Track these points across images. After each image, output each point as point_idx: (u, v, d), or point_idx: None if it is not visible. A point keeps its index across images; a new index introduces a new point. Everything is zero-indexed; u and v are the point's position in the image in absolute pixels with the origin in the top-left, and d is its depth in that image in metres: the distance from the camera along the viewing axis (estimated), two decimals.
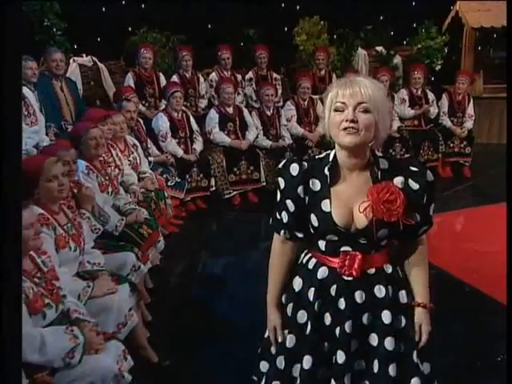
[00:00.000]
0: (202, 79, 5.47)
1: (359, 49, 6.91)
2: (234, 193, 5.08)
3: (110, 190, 3.14)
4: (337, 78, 5.91)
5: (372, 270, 1.62)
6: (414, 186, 1.56)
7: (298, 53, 6.49)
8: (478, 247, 4.13)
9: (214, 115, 4.98)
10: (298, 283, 1.70)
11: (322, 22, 6.48)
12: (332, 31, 6.79)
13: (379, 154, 1.60)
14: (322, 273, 1.64)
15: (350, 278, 1.60)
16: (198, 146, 4.92)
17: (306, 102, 5.34)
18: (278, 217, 1.64)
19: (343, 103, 1.46)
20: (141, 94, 5.00)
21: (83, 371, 1.96)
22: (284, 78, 6.31)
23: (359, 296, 1.61)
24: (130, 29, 5.91)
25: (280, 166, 1.63)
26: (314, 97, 5.43)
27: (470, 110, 5.80)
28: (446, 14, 7.33)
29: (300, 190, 1.57)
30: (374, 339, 1.62)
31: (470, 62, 7.08)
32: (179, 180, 4.56)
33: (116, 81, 5.70)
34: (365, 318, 1.62)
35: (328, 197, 1.56)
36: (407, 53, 7.17)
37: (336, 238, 1.59)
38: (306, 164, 1.59)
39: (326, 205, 1.55)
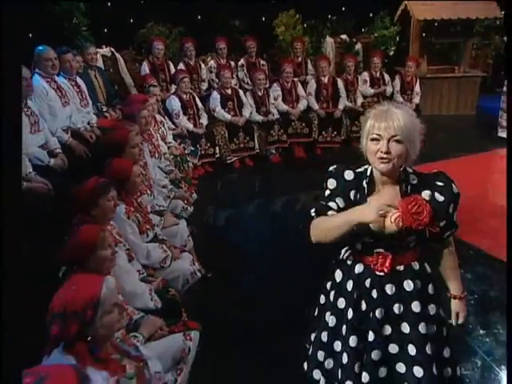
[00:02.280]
0: (203, 65, 6.04)
1: (327, 37, 7.38)
2: (234, 158, 5.66)
3: (156, 155, 3.87)
4: (311, 64, 6.56)
5: (401, 267, 1.67)
6: (440, 198, 1.59)
7: (278, 42, 7.01)
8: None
9: (216, 96, 5.58)
10: (338, 275, 1.80)
11: (297, 15, 7.01)
12: (304, 22, 7.25)
13: (410, 170, 1.64)
14: (359, 268, 1.72)
15: (381, 274, 1.67)
16: (204, 121, 5.49)
17: (288, 84, 5.92)
18: (327, 204, 1.65)
19: (379, 135, 1.51)
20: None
21: (172, 270, 2.77)
22: (267, 63, 6.80)
23: (389, 288, 1.67)
24: (139, 23, 6.39)
25: (331, 169, 1.69)
26: (294, 79, 6.03)
27: (417, 88, 6.40)
28: (397, 7, 7.79)
29: (352, 193, 1.63)
30: (405, 327, 1.67)
31: (417, 47, 7.58)
32: (193, 148, 5.23)
33: (128, 68, 6.22)
34: (396, 308, 1.67)
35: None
36: (366, 40, 7.65)
37: (371, 240, 1.64)
38: (356, 175, 1.66)
39: None
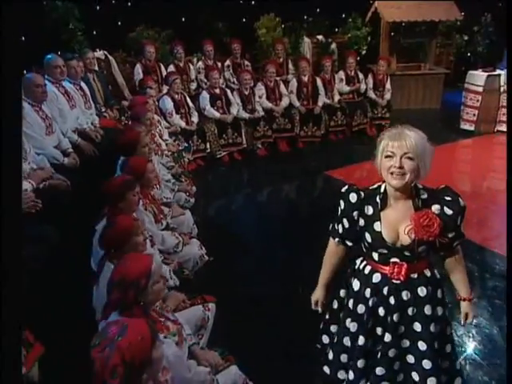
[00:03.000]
0: (191, 67, 6.27)
1: (304, 38, 7.69)
2: (224, 153, 5.87)
3: (159, 152, 4.12)
4: (291, 64, 6.83)
5: (415, 275, 1.77)
6: (449, 211, 1.68)
7: (260, 43, 7.27)
8: None
9: (206, 95, 5.80)
10: (356, 284, 1.88)
11: (277, 19, 7.29)
12: (283, 24, 7.53)
13: (420, 186, 1.74)
14: (376, 278, 1.81)
15: (398, 282, 1.76)
16: (195, 118, 5.70)
17: (272, 84, 6.15)
18: (336, 227, 1.83)
19: (392, 152, 1.62)
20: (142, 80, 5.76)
21: (183, 254, 3.06)
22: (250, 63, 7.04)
23: (405, 295, 1.77)
24: (127, 26, 6.54)
25: (343, 190, 1.80)
26: (277, 79, 6.27)
27: (388, 85, 6.66)
28: (368, 8, 8.13)
29: (355, 214, 1.74)
30: (417, 326, 1.79)
31: (386, 46, 7.93)
32: (187, 145, 5.46)
33: (119, 69, 6.37)
34: (410, 311, 1.79)
35: (379, 219, 1.71)
36: (340, 40, 7.99)
37: (386, 251, 1.74)
38: (362, 194, 1.76)
39: (377, 226, 1.71)
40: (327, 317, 2.07)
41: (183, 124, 5.58)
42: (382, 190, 1.73)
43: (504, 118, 6.44)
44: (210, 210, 5.07)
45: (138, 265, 1.73)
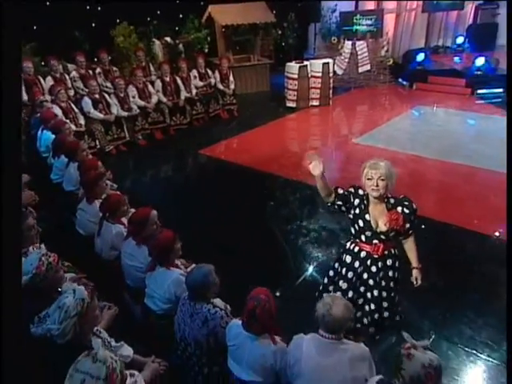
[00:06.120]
0: (67, 77, 7.12)
1: (155, 40, 8.90)
2: (111, 147, 6.93)
3: None
4: (152, 67, 8.11)
5: (386, 252, 2.59)
6: (406, 211, 2.51)
7: (119, 49, 8.24)
8: (254, 152, 6.86)
9: (88, 101, 6.75)
10: (348, 258, 2.68)
11: (130, 27, 8.36)
12: (136, 30, 8.59)
13: (389, 195, 2.55)
14: (363, 254, 2.62)
15: (376, 256, 2.58)
16: (82, 121, 6.61)
17: (141, 85, 7.33)
18: (339, 191, 2.63)
19: (371, 176, 2.46)
20: (31, 93, 6.49)
21: None
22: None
23: (380, 264, 2.60)
24: None
25: (356, 186, 2.65)
26: (144, 80, 7.44)
27: (231, 77, 8.34)
28: (203, 10, 9.59)
29: (356, 202, 2.60)
30: (383, 283, 2.63)
31: (223, 44, 9.69)
32: None
33: None
34: (381, 274, 2.61)
35: (368, 213, 2.54)
36: (185, 40, 9.28)
37: (370, 234, 2.55)
38: (361, 191, 2.61)
39: (367, 216, 2.54)
40: (325, 281, 2.90)
41: (74, 127, 6.42)
42: (366, 197, 2.60)
43: (313, 96, 8.89)
44: None
45: (142, 213, 3.20)
